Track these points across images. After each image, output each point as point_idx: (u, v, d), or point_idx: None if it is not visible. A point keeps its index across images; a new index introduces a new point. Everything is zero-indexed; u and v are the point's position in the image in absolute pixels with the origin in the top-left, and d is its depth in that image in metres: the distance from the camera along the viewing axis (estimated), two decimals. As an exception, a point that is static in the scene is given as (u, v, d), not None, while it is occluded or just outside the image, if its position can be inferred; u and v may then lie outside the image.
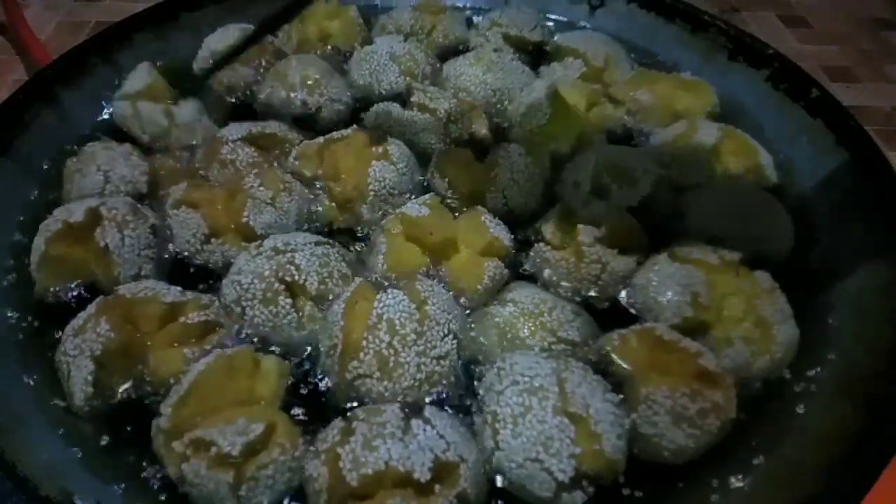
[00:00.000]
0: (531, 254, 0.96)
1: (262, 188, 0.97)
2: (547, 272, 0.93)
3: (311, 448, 0.72)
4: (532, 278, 0.94)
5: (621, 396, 0.76)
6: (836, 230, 0.99)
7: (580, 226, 0.91)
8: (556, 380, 0.73)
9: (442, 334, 0.79)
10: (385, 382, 0.77)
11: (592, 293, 0.92)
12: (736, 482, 0.74)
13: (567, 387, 0.73)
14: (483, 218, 0.94)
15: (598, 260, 0.90)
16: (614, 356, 0.80)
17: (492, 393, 0.75)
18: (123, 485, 0.73)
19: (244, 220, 0.94)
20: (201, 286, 0.92)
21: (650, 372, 0.77)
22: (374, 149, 1.03)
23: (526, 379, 0.73)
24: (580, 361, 0.79)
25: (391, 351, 0.77)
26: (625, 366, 0.79)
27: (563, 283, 0.92)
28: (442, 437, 0.69)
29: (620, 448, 0.72)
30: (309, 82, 1.17)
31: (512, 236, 0.95)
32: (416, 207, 0.93)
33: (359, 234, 1.00)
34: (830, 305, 0.90)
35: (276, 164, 1.06)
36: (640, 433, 0.75)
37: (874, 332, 0.84)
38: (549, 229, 0.94)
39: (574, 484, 0.69)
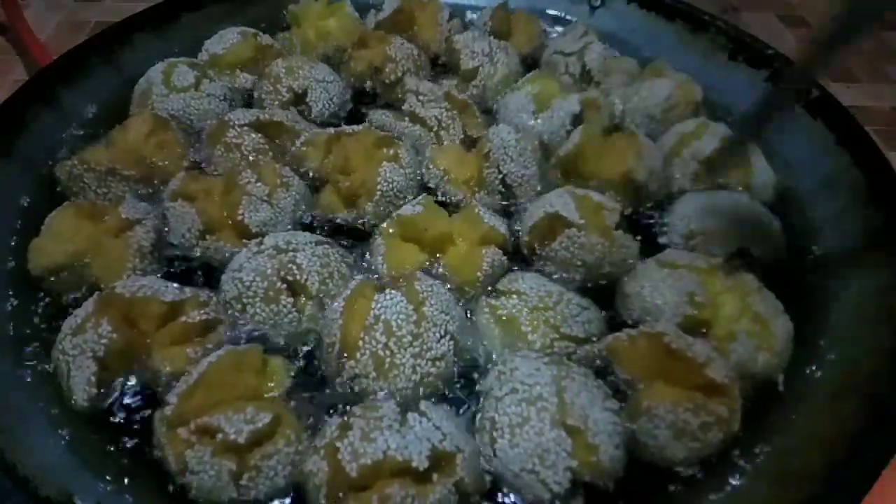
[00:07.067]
0: (564, 240, 0.92)
1: (258, 184, 0.97)
2: (582, 257, 0.91)
3: (311, 445, 0.73)
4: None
5: (622, 405, 0.76)
6: (836, 230, 0.99)
7: (605, 211, 0.93)
8: (556, 389, 0.73)
9: (439, 336, 0.79)
10: (381, 383, 0.77)
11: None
12: (735, 481, 0.74)
13: (566, 396, 0.72)
14: (477, 210, 0.94)
15: (623, 245, 0.92)
16: (620, 360, 0.79)
17: (491, 398, 0.75)
18: (124, 485, 0.73)
19: (239, 217, 0.94)
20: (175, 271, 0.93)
21: (655, 379, 0.76)
22: (384, 149, 1.03)
23: (525, 387, 0.73)
24: (581, 365, 0.79)
25: (387, 352, 0.77)
26: (630, 371, 0.78)
27: (595, 269, 0.91)
28: (438, 428, 0.70)
29: (618, 457, 0.72)
30: (292, 68, 1.18)
31: (507, 226, 0.96)
32: (409, 207, 0.94)
33: (358, 235, 1.00)
34: (830, 305, 0.90)
35: (280, 154, 1.07)
36: (639, 441, 0.74)
37: (874, 332, 0.84)
38: (571, 212, 0.92)
39: (569, 494, 0.70)
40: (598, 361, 0.82)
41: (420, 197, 0.97)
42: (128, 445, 0.76)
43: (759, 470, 0.75)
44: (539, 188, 1.05)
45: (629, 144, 1.03)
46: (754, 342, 0.81)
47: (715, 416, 0.73)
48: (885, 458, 0.68)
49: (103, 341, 0.77)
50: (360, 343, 0.78)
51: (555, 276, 0.93)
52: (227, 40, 1.25)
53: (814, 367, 0.84)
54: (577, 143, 1.03)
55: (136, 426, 0.78)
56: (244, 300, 0.84)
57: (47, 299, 0.90)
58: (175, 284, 0.85)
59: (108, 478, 0.73)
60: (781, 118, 0.90)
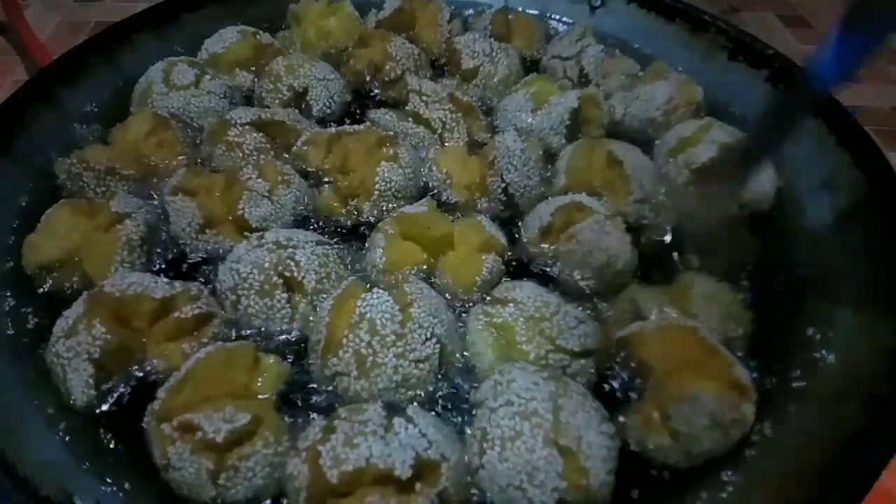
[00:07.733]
0: (592, 223, 0.92)
1: (259, 180, 0.97)
2: (607, 243, 0.90)
3: (293, 446, 0.72)
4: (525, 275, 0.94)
5: (619, 420, 0.76)
6: (836, 230, 0.99)
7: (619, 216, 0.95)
8: (553, 406, 0.71)
9: (424, 338, 0.78)
10: (362, 381, 0.76)
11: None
12: (735, 482, 0.74)
13: (562, 415, 0.70)
14: (479, 218, 0.95)
15: (633, 249, 0.94)
16: (644, 348, 0.79)
17: (485, 408, 0.73)
18: (124, 485, 0.73)
19: (240, 211, 0.94)
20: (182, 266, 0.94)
21: (685, 370, 0.76)
22: (384, 149, 1.03)
23: (521, 401, 0.71)
24: (580, 384, 0.78)
25: (370, 350, 0.76)
26: (655, 360, 0.78)
27: (612, 264, 0.91)
28: (424, 435, 0.69)
29: (608, 483, 0.70)
30: (292, 66, 1.18)
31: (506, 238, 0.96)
32: (412, 207, 0.94)
33: (356, 235, 1.00)
34: (830, 306, 0.90)
35: (281, 154, 1.07)
36: (670, 428, 0.74)
37: (874, 332, 0.84)
38: (594, 203, 0.94)
39: None
40: (631, 346, 0.81)
41: (423, 200, 0.97)
42: (128, 445, 0.76)
43: (758, 470, 0.75)
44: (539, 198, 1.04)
45: (616, 178, 1.01)
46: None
47: (742, 415, 0.74)
48: (885, 458, 0.68)
49: (98, 343, 0.76)
50: (344, 341, 0.77)
51: (565, 274, 0.93)
52: (227, 39, 1.25)
53: (813, 368, 0.84)
54: (563, 185, 1.02)
55: (135, 425, 0.77)
56: (239, 291, 0.84)
57: (45, 298, 0.89)
58: (165, 279, 0.84)
59: (107, 478, 0.73)
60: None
